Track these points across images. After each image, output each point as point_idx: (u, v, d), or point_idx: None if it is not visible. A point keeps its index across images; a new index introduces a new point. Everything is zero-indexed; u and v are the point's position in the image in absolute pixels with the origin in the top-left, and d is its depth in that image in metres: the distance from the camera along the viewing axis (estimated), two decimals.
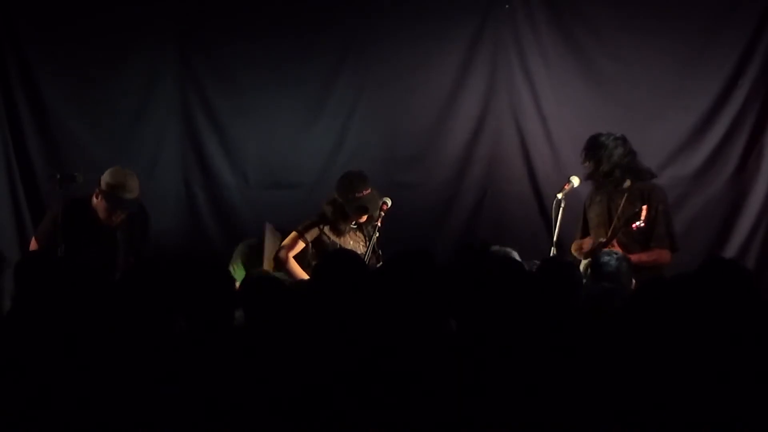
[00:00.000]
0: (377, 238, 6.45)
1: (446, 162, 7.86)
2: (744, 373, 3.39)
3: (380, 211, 6.55)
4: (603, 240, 6.34)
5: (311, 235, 6.63)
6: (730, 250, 7.47)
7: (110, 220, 6.34)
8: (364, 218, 6.62)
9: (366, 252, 6.40)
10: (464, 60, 7.78)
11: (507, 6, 7.72)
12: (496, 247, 6.00)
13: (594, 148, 6.54)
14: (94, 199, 6.34)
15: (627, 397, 3.38)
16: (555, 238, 6.47)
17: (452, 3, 7.78)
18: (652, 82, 7.60)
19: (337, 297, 4.12)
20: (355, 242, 6.70)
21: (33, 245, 6.51)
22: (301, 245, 6.60)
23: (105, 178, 6.31)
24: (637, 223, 6.24)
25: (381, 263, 6.22)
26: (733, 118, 7.54)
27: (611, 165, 6.48)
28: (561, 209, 6.48)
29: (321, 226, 6.64)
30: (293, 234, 6.64)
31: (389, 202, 6.60)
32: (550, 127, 7.75)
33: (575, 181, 6.68)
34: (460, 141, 7.84)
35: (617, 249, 6.12)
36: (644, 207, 6.26)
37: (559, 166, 7.66)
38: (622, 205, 6.42)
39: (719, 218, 7.55)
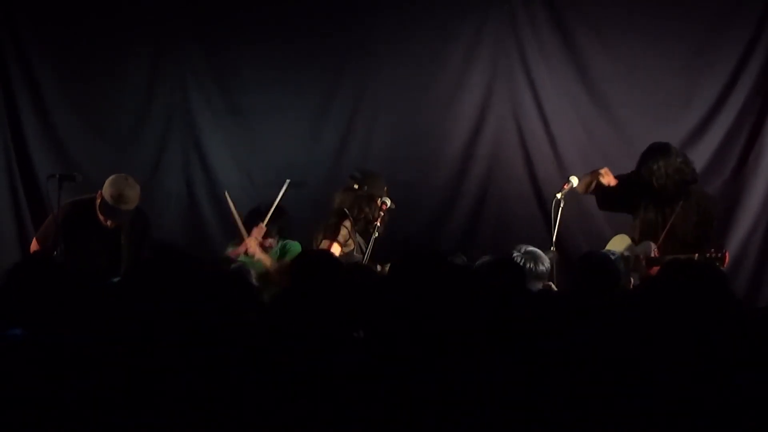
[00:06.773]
0: (375, 238, 6.44)
1: (447, 162, 7.88)
2: (716, 372, 3.40)
3: (380, 211, 6.56)
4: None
5: (343, 236, 6.59)
6: (730, 250, 7.44)
7: (106, 223, 6.34)
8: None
9: (366, 252, 6.41)
10: (464, 60, 7.79)
11: (507, 6, 7.73)
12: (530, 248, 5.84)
13: (652, 158, 6.39)
14: (98, 200, 6.34)
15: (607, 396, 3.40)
16: (554, 238, 6.48)
17: (452, 3, 7.80)
18: (653, 83, 7.61)
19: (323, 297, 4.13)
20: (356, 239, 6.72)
21: (34, 246, 6.51)
22: (337, 250, 6.48)
23: (106, 184, 6.24)
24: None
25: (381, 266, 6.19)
26: (733, 118, 7.55)
27: (668, 176, 6.36)
28: (560, 209, 6.50)
29: (345, 224, 6.61)
30: (325, 243, 6.53)
31: (388, 203, 6.61)
32: (550, 127, 7.76)
33: (575, 181, 6.69)
34: (460, 141, 7.85)
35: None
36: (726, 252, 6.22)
37: (559, 166, 7.66)
38: (677, 211, 6.38)
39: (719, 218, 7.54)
